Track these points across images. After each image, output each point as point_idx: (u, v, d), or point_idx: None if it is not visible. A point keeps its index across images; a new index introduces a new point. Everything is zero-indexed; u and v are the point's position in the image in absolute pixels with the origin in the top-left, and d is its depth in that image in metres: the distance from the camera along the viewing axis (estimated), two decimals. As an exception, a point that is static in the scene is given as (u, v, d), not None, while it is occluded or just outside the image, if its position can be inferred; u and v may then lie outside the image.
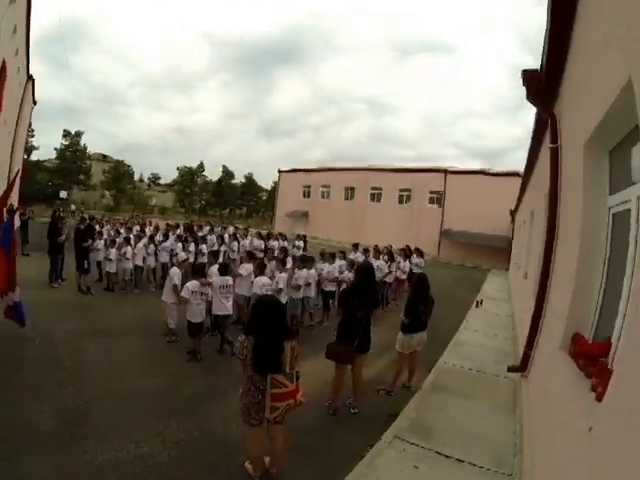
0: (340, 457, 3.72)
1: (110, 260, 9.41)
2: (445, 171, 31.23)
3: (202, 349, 5.93)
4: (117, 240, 9.91)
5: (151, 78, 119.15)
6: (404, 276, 10.84)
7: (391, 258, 11.05)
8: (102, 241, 9.95)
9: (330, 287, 8.38)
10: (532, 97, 4.64)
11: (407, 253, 11.92)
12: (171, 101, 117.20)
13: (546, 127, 5.13)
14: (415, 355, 5.41)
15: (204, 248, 10.86)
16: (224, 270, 6.33)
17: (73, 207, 31.67)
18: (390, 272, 10.42)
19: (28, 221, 13.91)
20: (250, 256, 7.95)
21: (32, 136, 43.59)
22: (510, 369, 5.27)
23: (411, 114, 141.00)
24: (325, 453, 3.86)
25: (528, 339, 4.72)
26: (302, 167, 42.16)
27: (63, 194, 41.43)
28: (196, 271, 6.33)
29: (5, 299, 5.14)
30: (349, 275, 8.09)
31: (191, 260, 9.54)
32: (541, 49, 4.08)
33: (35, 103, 33.83)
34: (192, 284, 5.92)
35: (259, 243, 12.75)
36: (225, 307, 6.18)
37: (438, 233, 30.02)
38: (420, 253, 12.30)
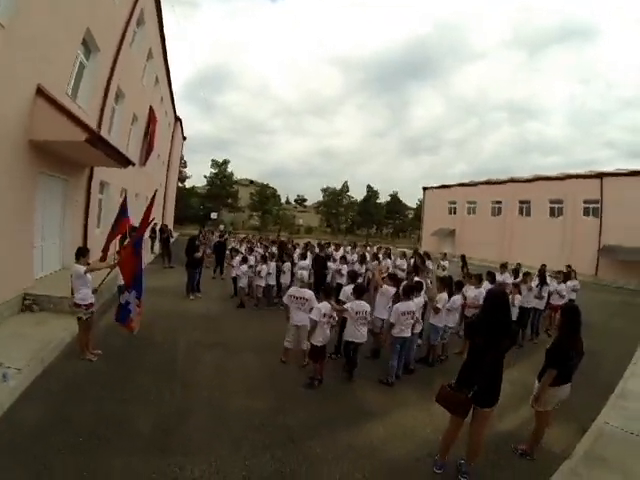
0: None
1: (240, 276, 9.62)
2: (601, 175, 25.08)
3: (324, 374, 5.36)
4: (249, 257, 10.09)
5: (290, 108, 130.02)
6: (561, 301, 9.09)
7: (543, 281, 9.15)
8: (238, 258, 10.23)
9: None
10: None
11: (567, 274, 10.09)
12: (312, 127, 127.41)
13: None
14: (552, 414, 4.03)
15: (344, 268, 10.09)
16: (360, 292, 5.57)
17: (222, 227, 35.67)
18: (542, 297, 8.75)
19: (168, 238, 15.64)
20: (391, 278, 6.89)
21: (185, 167, 51.31)
22: None
23: (555, 116, 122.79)
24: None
25: None
26: (445, 183, 39.82)
27: (213, 215, 47.26)
28: (328, 293, 5.62)
29: (122, 297, 5.60)
30: None
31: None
32: None
33: (185, 139, 39.57)
34: (325, 306, 5.27)
35: (401, 263, 11.76)
36: (360, 334, 5.42)
37: (596, 250, 24.19)
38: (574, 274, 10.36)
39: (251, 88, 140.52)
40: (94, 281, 5.59)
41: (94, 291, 5.52)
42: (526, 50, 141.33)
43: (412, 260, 11.68)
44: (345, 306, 5.43)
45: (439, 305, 6.34)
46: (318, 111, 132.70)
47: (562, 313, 3.91)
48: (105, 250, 7.86)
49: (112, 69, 10.45)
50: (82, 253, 5.49)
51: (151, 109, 17.57)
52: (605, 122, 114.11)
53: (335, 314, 5.36)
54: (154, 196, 6.77)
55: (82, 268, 5.30)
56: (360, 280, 9.39)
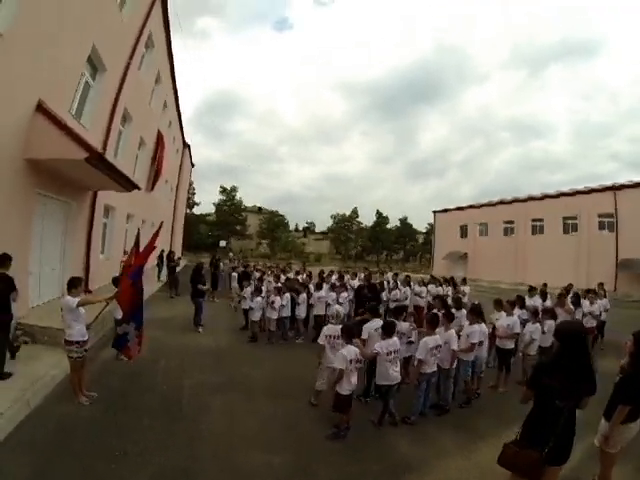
0: None
1: (253, 309, 8.84)
2: (614, 188, 24.65)
3: (352, 420, 4.62)
4: (262, 288, 9.34)
5: (297, 135, 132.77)
6: (594, 323, 8.40)
7: (577, 302, 8.47)
8: (249, 289, 9.47)
9: (510, 344, 6.50)
10: None
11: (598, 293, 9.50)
12: (319, 153, 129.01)
13: None
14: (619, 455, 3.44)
15: None
16: (390, 330, 4.89)
17: (231, 255, 35.21)
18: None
19: (175, 267, 15.05)
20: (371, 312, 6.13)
21: (193, 194, 51.44)
22: None
23: (559, 133, 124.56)
24: None
25: None
26: (455, 206, 39.77)
27: (222, 243, 46.99)
28: (350, 333, 4.75)
29: (120, 328, 5.19)
30: (532, 328, 6.52)
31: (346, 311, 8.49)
32: None
33: (193, 165, 39.76)
34: (350, 351, 4.48)
35: (421, 290, 11.17)
36: (393, 375, 4.75)
37: (613, 265, 23.51)
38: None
39: (259, 116, 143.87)
40: (88, 315, 4.98)
41: (88, 327, 4.85)
42: (528, 69, 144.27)
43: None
44: (375, 348, 4.71)
45: (474, 340, 5.56)
46: (325, 137, 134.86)
47: (634, 341, 3.38)
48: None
49: (119, 90, 10.20)
50: (74, 284, 4.80)
51: (159, 133, 17.43)
52: (609, 135, 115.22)
53: (362, 358, 4.64)
54: (159, 228, 6.32)
55: (74, 301, 4.63)
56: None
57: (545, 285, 10.84)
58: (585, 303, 8.78)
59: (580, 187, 28.23)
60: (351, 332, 4.71)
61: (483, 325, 5.93)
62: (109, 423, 4.34)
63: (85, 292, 9.11)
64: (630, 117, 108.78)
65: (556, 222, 28.09)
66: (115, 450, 3.80)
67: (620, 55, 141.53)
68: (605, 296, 9.77)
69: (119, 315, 6.00)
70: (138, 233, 7.05)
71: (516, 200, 32.40)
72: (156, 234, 6.21)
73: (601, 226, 25.31)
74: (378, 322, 5.53)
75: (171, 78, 18.70)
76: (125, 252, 12.29)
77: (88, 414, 4.52)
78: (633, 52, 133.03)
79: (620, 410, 3.19)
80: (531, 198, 31.15)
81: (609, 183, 25.70)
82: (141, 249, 5.70)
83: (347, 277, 12.03)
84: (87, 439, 3.96)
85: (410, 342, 5.91)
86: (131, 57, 10.54)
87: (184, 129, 27.96)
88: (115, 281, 6.53)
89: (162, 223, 7.04)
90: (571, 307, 8.00)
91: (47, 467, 3.44)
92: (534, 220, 29.95)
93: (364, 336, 5.35)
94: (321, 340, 5.29)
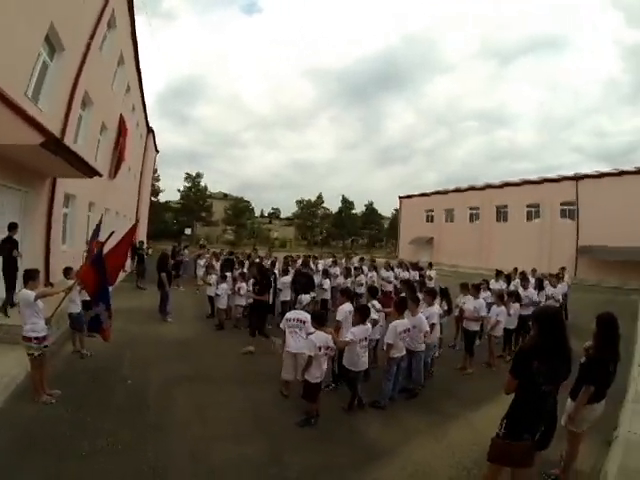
0: None
1: (219, 295, 8.77)
2: (576, 178, 25.97)
3: (322, 406, 4.67)
4: (227, 275, 9.23)
5: (263, 121, 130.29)
6: (557, 305, 8.74)
7: (540, 286, 8.89)
8: (214, 276, 9.30)
9: (475, 326, 6.84)
10: None
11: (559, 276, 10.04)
12: (285, 139, 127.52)
13: None
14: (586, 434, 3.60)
15: (326, 283, 9.77)
16: (364, 315, 4.92)
17: (202, 241, 34.41)
18: (540, 303, 8.18)
19: (143, 256, 14.53)
20: (343, 293, 6.13)
21: (158, 180, 49.61)
22: None
23: (523, 124, 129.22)
24: None
25: None
26: (420, 192, 40.32)
27: (187, 231, 45.71)
28: (321, 320, 4.71)
29: (91, 311, 5.50)
30: (497, 311, 6.95)
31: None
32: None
33: (157, 152, 38.30)
34: (320, 338, 4.47)
35: (388, 275, 11.41)
36: (362, 362, 4.83)
37: (574, 251, 24.85)
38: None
39: (224, 101, 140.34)
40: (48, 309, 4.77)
41: (47, 321, 4.64)
42: (495, 60, 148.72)
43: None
44: (348, 336, 4.73)
45: (434, 320, 5.83)
46: (291, 124, 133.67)
47: (597, 323, 3.48)
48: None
49: (79, 72, 9.62)
50: (31, 276, 4.59)
51: (122, 118, 16.65)
52: (572, 128, 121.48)
53: (333, 345, 4.64)
54: (134, 227, 6.29)
55: (31, 294, 4.42)
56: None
57: (515, 270, 11.33)
58: (548, 287, 9.18)
59: (543, 176, 29.38)
60: (322, 319, 4.75)
61: (437, 307, 6.26)
62: (75, 422, 4.22)
63: (47, 286, 8.71)
64: (591, 111, 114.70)
65: (520, 209, 29.22)
66: (82, 450, 3.70)
67: (584, 52, 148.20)
68: (563, 279, 10.32)
69: (75, 309, 5.94)
70: (98, 226, 6.86)
71: (481, 187, 33.31)
72: (132, 231, 6.15)
73: (563, 214, 26.59)
74: (350, 306, 5.62)
75: (134, 60, 17.79)
76: (87, 242, 11.81)
77: (52, 413, 4.37)
78: (595, 49, 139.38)
79: (585, 390, 3.29)
80: (496, 186, 32.12)
81: (571, 173, 27.00)
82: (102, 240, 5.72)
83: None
84: (53, 440, 3.84)
85: (375, 322, 5.84)
86: (92, 37, 9.95)
87: (148, 114, 26.85)
88: (66, 272, 6.32)
89: (137, 223, 6.98)
90: (531, 290, 8.41)
91: (10, 470, 3.31)
92: (499, 207, 31.02)
93: (339, 318, 5.39)
94: (282, 325, 5.35)
